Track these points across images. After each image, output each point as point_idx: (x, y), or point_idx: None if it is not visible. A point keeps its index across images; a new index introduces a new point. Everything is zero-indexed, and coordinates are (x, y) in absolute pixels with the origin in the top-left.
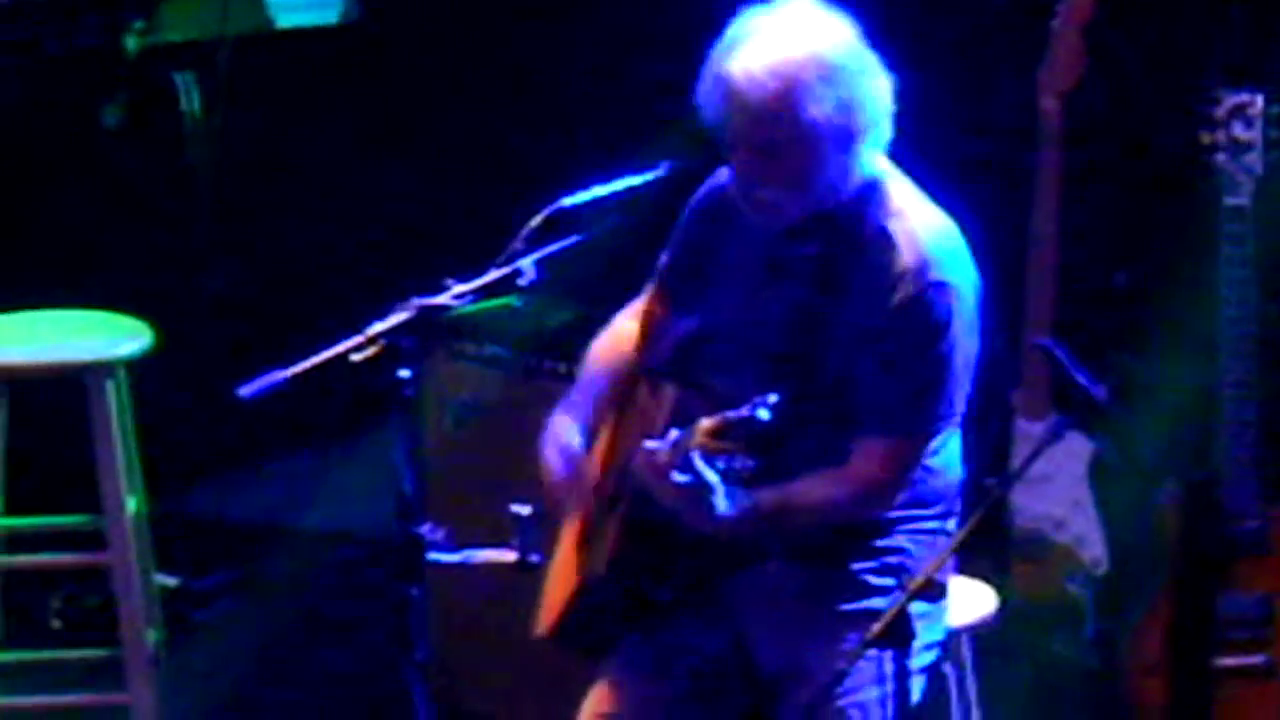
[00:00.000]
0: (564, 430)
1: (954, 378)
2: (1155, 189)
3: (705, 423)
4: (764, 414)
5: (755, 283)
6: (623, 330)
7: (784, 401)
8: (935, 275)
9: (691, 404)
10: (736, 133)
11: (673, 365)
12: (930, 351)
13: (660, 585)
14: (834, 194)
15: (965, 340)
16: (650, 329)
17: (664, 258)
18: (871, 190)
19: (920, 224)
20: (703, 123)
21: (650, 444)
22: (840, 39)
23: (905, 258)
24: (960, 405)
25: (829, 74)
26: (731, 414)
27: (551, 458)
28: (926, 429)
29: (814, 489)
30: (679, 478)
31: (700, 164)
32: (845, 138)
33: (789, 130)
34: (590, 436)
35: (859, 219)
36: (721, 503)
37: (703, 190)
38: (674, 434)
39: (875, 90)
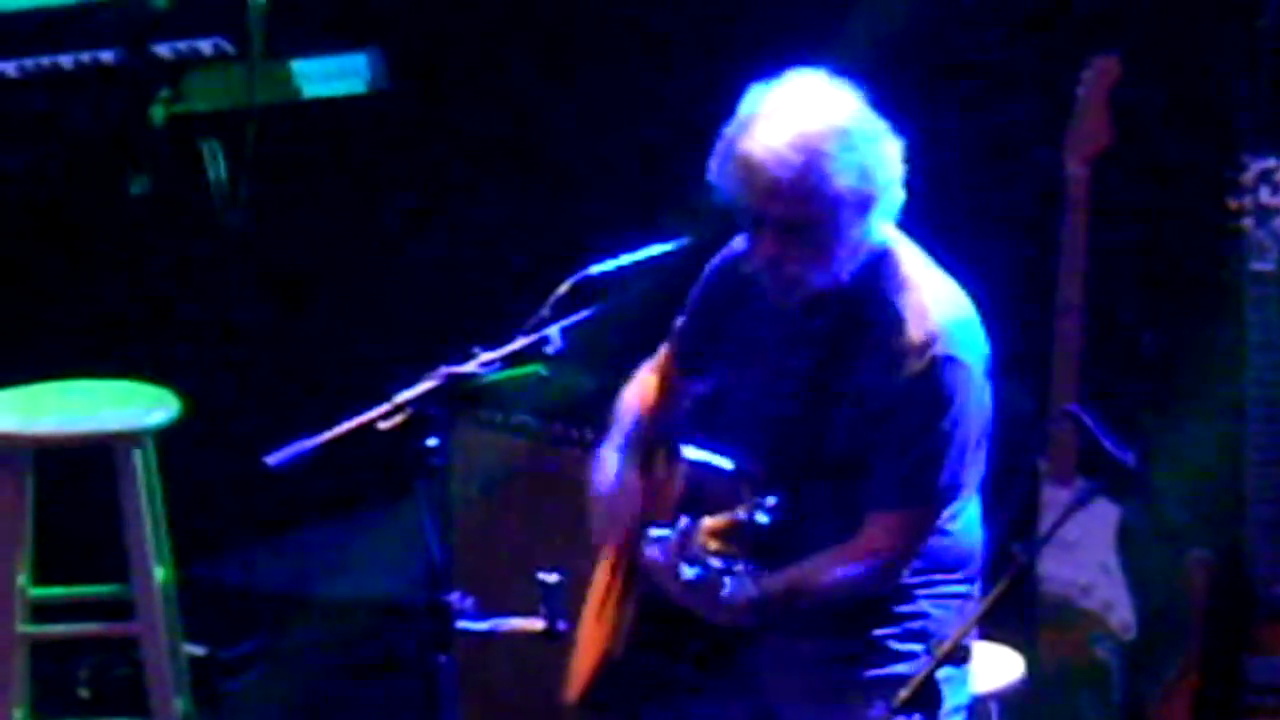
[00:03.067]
0: (611, 464)
1: (961, 453)
2: (1182, 254)
3: (709, 522)
4: (763, 518)
5: (767, 356)
6: (647, 384)
7: (783, 503)
8: (942, 350)
9: (705, 481)
10: (758, 209)
11: (686, 433)
12: (937, 425)
13: (681, 662)
14: (851, 263)
15: (975, 413)
16: (665, 390)
17: (679, 321)
18: (881, 262)
19: (929, 297)
20: (719, 199)
21: (657, 532)
22: (850, 107)
23: (913, 332)
24: (972, 478)
25: (848, 142)
26: (734, 515)
27: (601, 484)
28: (934, 503)
29: (823, 569)
30: (687, 572)
31: (724, 232)
32: (864, 204)
33: (816, 205)
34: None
35: (869, 292)
36: (728, 594)
37: (719, 258)
38: (684, 521)
39: (888, 154)
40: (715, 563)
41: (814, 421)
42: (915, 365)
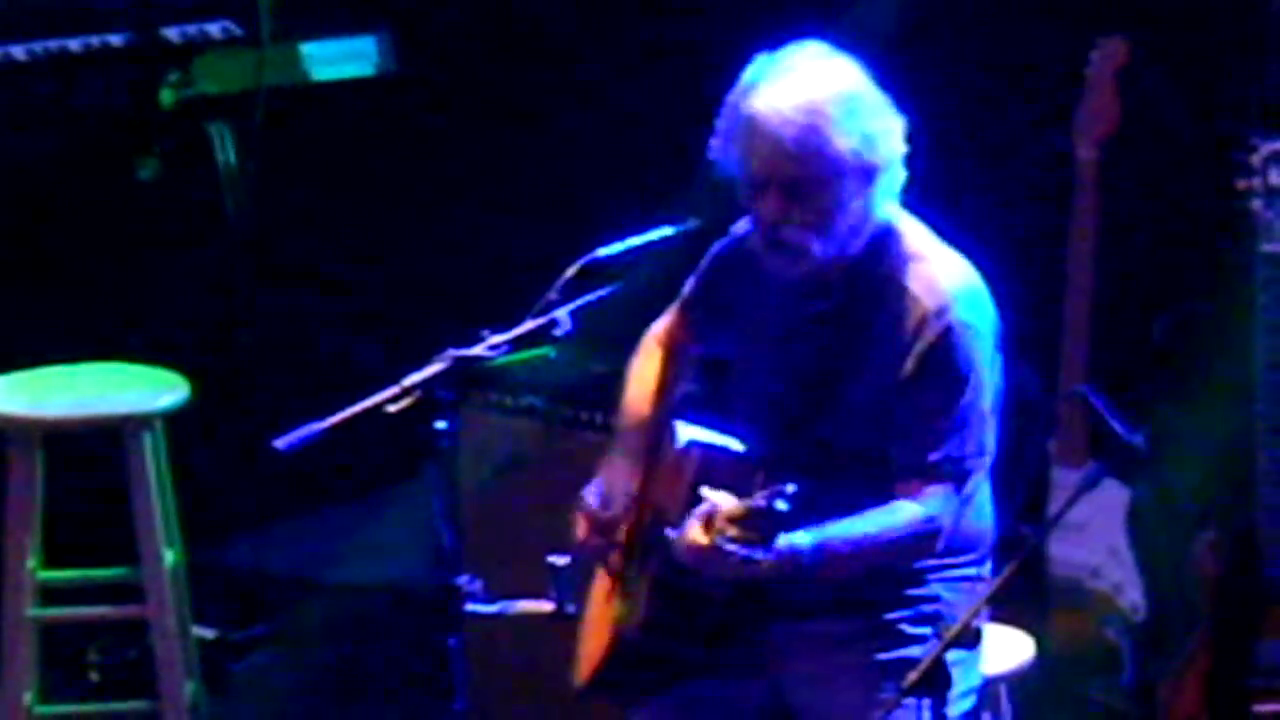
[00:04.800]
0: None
1: (981, 416)
2: (1192, 236)
3: (726, 509)
4: (782, 505)
5: (774, 336)
6: (653, 360)
7: (803, 491)
8: (955, 317)
9: (716, 465)
10: (762, 171)
11: (694, 410)
12: (958, 392)
13: (692, 644)
14: (853, 238)
15: (989, 379)
16: (673, 358)
17: (689, 286)
18: (885, 238)
19: (936, 267)
20: (721, 172)
21: (672, 533)
22: (855, 77)
23: (924, 303)
24: (991, 444)
25: (853, 108)
26: (752, 503)
27: (587, 501)
28: (963, 469)
29: (873, 530)
30: (730, 547)
31: (731, 216)
32: (866, 174)
33: (817, 166)
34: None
35: (874, 269)
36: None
37: (725, 240)
38: (707, 504)
39: (891, 128)
40: (736, 549)
41: (825, 404)
42: (929, 335)
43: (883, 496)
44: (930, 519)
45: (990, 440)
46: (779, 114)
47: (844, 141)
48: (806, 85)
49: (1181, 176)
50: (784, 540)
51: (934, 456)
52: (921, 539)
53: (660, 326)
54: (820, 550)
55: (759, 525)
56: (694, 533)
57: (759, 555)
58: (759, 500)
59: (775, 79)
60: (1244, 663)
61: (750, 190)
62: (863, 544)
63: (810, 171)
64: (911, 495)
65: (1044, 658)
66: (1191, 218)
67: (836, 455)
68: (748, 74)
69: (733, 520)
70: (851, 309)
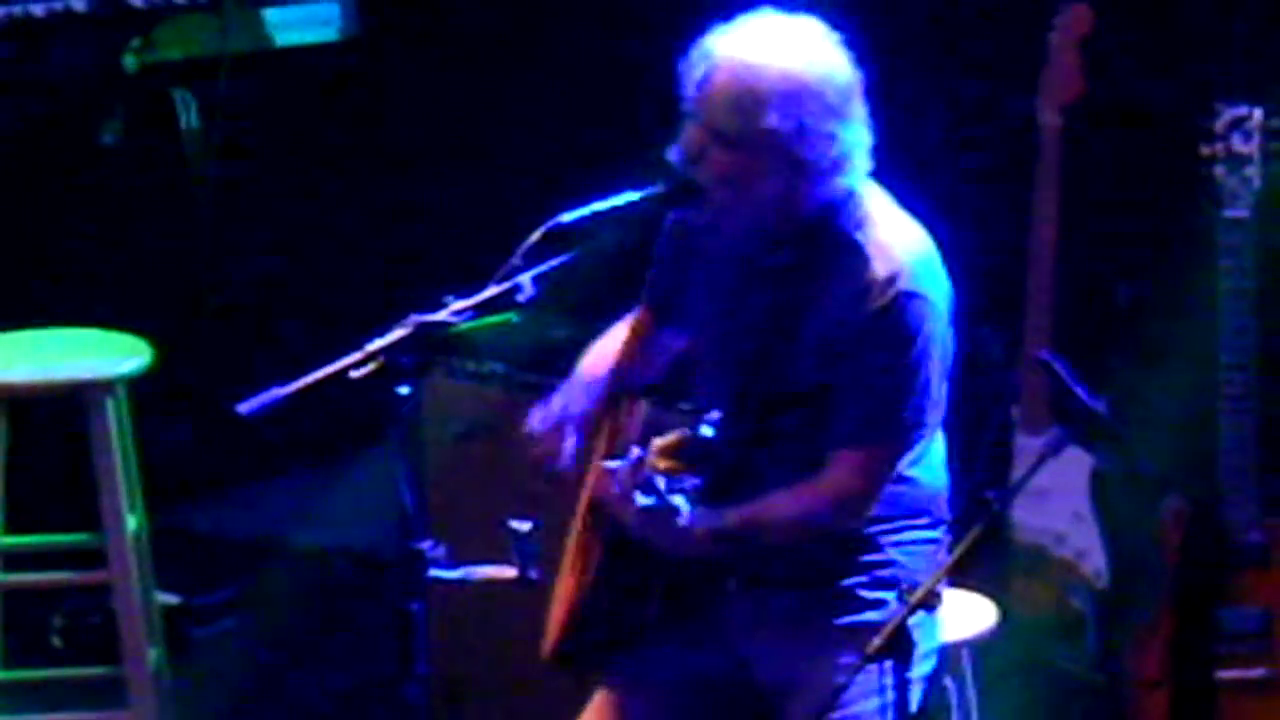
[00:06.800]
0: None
1: (925, 388)
2: (1154, 202)
3: (658, 442)
4: (707, 430)
5: (729, 294)
6: (615, 340)
7: (728, 417)
8: (905, 285)
9: (663, 421)
10: (695, 103)
11: (661, 383)
12: (900, 362)
13: (646, 602)
14: (781, 215)
15: (937, 351)
16: (638, 343)
17: (649, 274)
18: (844, 201)
19: (892, 234)
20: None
21: (610, 464)
22: (829, 71)
23: (876, 268)
24: (934, 417)
25: (804, 95)
26: (680, 433)
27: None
28: (898, 439)
29: (783, 503)
30: (642, 500)
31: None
32: (793, 164)
33: (740, 127)
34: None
35: (830, 228)
36: (687, 523)
37: (676, 211)
38: (635, 451)
39: (844, 134)
40: (661, 482)
41: (777, 355)
42: (878, 301)
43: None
44: (852, 488)
45: (934, 414)
46: (731, 63)
47: (777, 121)
48: (773, 51)
49: (1145, 143)
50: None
51: (867, 422)
52: (842, 508)
53: (631, 317)
54: (730, 524)
55: (686, 452)
56: (601, 483)
57: (686, 486)
58: (685, 430)
59: (755, 32)
60: (1207, 629)
61: (685, 111)
62: (775, 518)
63: (732, 128)
64: (840, 462)
65: (1007, 624)
66: (1154, 184)
67: (787, 405)
68: (742, 18)
69: (662, 453)
70: (803, 267)
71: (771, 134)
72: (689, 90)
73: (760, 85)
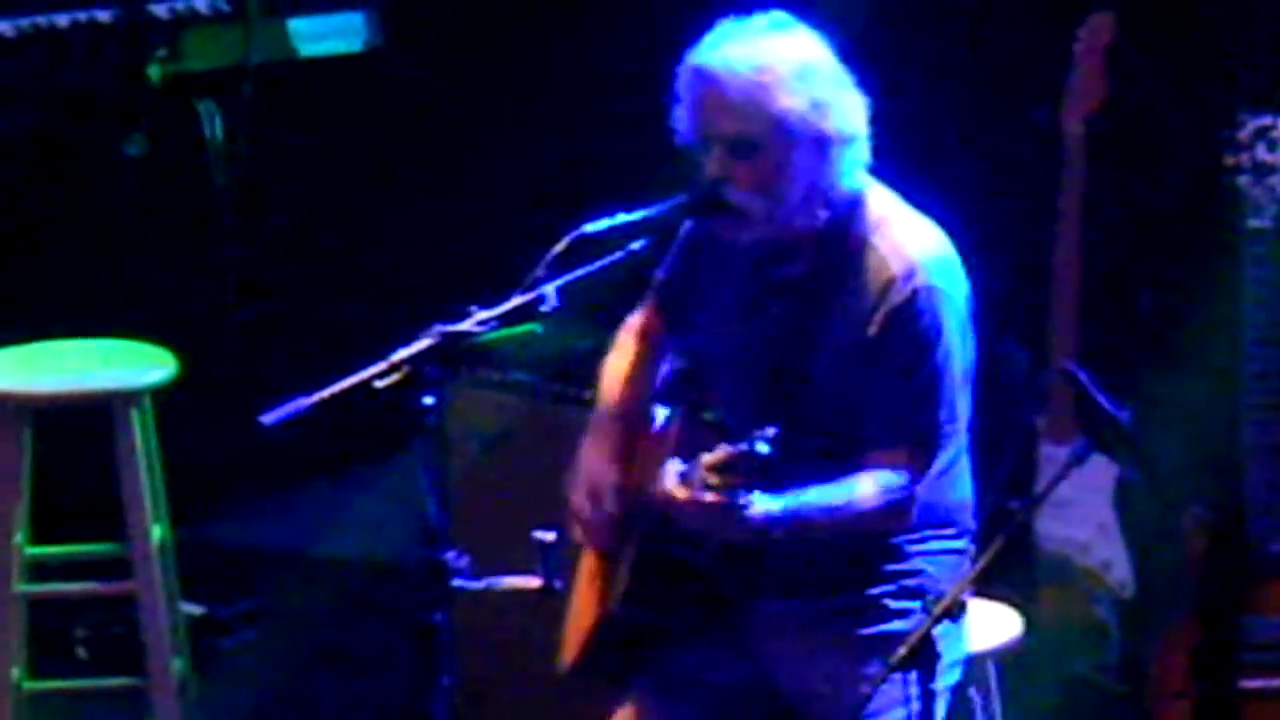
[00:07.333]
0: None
1: (952, 382)
2: (1179, 212)
3: (708, 458)
4: (763, 447)
5: (743, 308)
6: (624, 361)
7: (781, 433)
8: (922, 281)
9: (695, 436)
10: (706, 125)
11: (674, 393)
12: (926, 356)
13: (675, 614)
14: (810, 208)
15: (959, 345)
16: (649, 348)
17: (660, 274)
18: (853, 206)
19: (904, 232)
20: (681, 140)
21: (669, 470)
22: (813, 47)
23: (891, 267)
24: (963, 411)
25: (804, 72)
26: (732, 448)
27: (576, 489)
28: (934, 435)
29: (842, 496)
30: (709, 497)
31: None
32: (817, 142)
33: (760, 123)
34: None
35: (842, 234)
36: (752, 511)
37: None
38: (680, 467)
39: (850, 103)
40: (716, 499)
41: (795, 371)
42: (897, 299)
43: (852, 463)
44: (899, 487)
45: (963, 407)
46: (726, 66)
47: (790, 101)
48: (759, 45)
49: (1169, 152)
50: (758, 503)
51: (902, 422)
52: (892, 507)
53: (634, 319)
54: (791, 515)
55: (740, 468)
56: (672, 487)
57: (741, 500)
58: (739, 445)
59: (733, 36)
60: (1231, 639)
61: (697, 148)
62: (832, 510)
63: (752, 128)
64: (880, 463)
65: (1032, 634)
66: (1178, 193)
67: (806, 421)
68: (708, 36)
69: (713, 468)
70: (819, 274)
71: (787, 116)
72: (691, 121)
73: (762, 74)
